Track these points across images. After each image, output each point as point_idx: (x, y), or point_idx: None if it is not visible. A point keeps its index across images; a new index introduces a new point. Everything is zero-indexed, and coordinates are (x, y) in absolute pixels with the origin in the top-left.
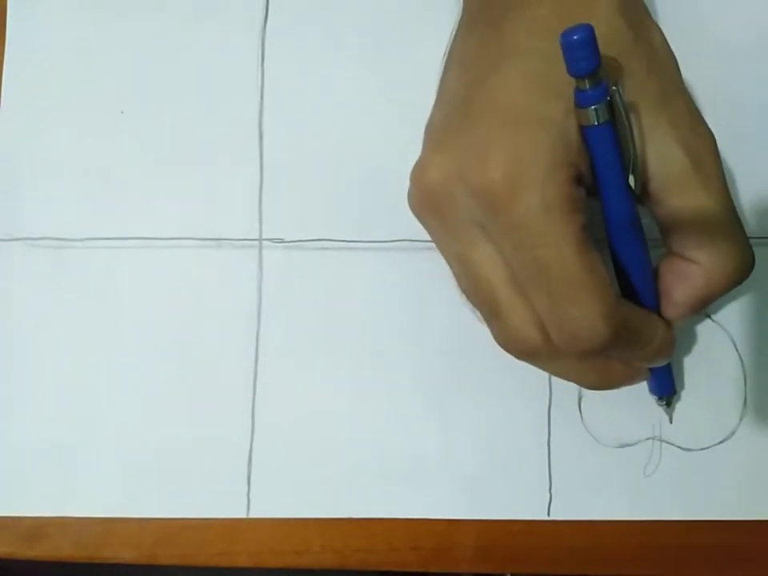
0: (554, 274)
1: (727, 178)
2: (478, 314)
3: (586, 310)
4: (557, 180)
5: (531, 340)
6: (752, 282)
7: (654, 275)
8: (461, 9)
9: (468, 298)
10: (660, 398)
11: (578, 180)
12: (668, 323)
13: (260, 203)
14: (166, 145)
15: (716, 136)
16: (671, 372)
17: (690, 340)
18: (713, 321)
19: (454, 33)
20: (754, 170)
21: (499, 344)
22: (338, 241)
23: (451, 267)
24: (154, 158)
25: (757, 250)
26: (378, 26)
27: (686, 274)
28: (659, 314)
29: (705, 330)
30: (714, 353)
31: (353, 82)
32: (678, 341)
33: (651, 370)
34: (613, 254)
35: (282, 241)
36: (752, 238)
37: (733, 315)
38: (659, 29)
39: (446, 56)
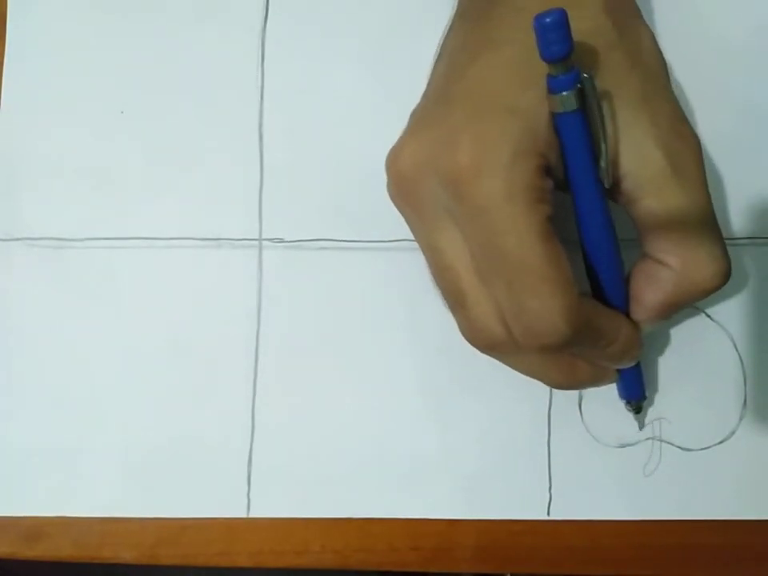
0: (514, 264)
1: (726, 178)
2: (445, 302)
3: (544, 302)
4: (522, 168)
5: (494, 332)
6: (752, 281)
7: (626, 276)
8: (455, 6)
9: (435, 285)
10: (628, 403)
11: (546, 171)
12: (635, 325)
13: (260, 203)
14: (166, 145)
15: (715, 136)
16: (641, 376)
17: (690, 340)
18: (712, 321)
19: (446, 29)
20: (753, 170)
21: (463, 335)
22: (338, 241)
23: (424, 255)
24: (154, 158)
25: (756, 250)
26: (378, 26)
27: (657, 277)
28: (628, 315)
29: (705, 330)
30: (714, 353)
31: (353, 82)
32: (677, 341)
33: (619, 372)
34: (584, 252)
35: (281, 241)
36: (752, 237)
37: (733, 315)
38: (649, 31)
39: (437, 50)
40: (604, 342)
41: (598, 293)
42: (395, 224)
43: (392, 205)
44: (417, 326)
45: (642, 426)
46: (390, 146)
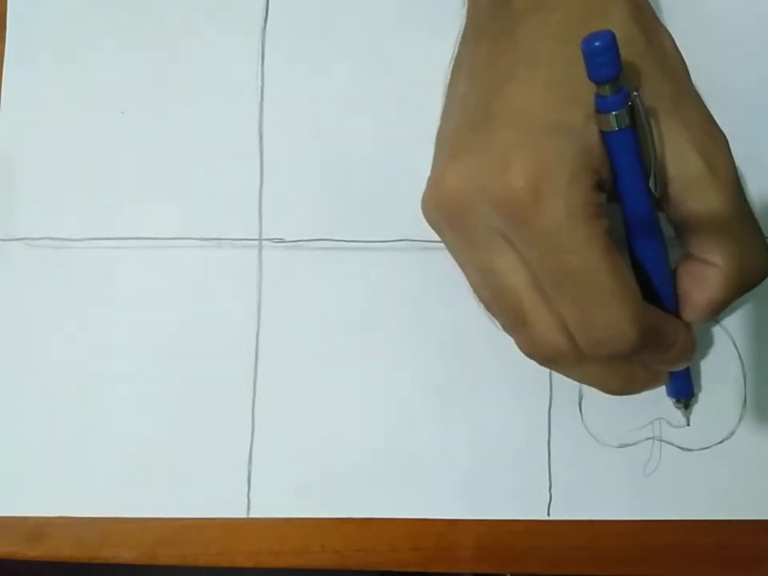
0: (581, 280)
1: None
2: (497, 322)
3: (614, 314)
4: (580, 186)
5: (558, 346)
6: None
7: (673, 278)
8: (465, 15)
9: (488, 306)
10: (678, 401)
11: (600, 185)
12: (688, 326)
13: (260, 203)
14: (166, 145)
15: None
16: (689, 374)
17: None
18: (713, 321)
19: (459, 41)
20: (755, 170)
21: (524, 351)
22: (338, 241)
23: (468, 276)
24: (154, 157)
25: None
26: (378, 27)
27: (704, 276)
28: (678, 317)
29: (705, 329)
30: (714, 353)
31: (353, 82)
32: None
33: (670, 373)
34: (632, 258)
35: (282, 241)
36: None
37: (733, 315)
38: (669, 33)
39: (452, 64)
40: (665, 346)
41: (648, 297)
42: (395, 224)
43: (392, 205)
44: (417, 326)
45: (689, 422)
46: (391, 146)
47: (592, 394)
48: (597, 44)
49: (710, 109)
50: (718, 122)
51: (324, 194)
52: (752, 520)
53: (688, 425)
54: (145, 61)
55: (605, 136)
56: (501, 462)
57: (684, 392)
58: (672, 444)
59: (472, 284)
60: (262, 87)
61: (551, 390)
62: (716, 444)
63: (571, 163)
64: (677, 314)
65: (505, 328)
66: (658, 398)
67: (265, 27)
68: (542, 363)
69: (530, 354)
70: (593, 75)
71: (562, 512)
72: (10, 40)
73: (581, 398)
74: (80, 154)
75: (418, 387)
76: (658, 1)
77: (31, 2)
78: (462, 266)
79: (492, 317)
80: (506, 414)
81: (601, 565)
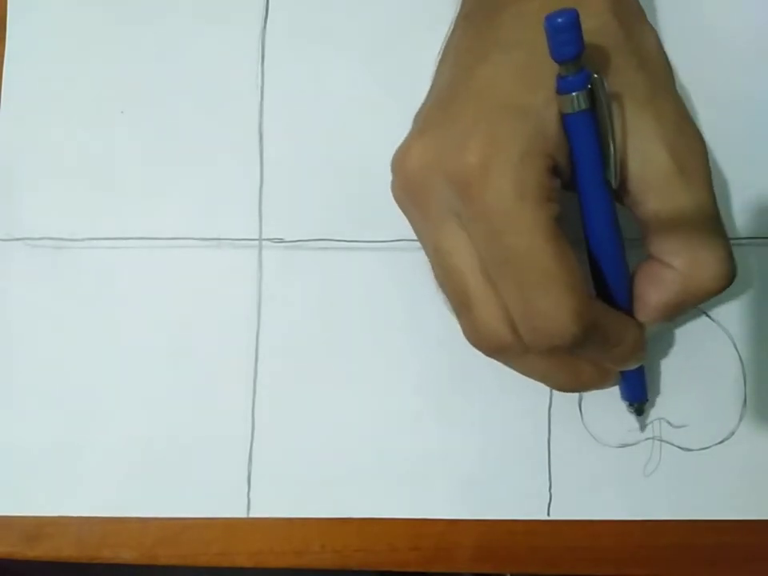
0: (523, 263)
1: (727, 177)
2: (450, 306)
3: (555, 302)
4: (531, 168)
5: (500, 335)
6: (752, 281)
7: (630, 276)
8: (458, 7)
9: (441, 288)
10: (630, 405)
11: (554, 171)
12: (641, 326)
13: (260, 203)
14: (166, 145)
15: (715, 136)
16: (643, 377)
17: (690, 340)
18: (712, 320)
19: (450, 30)
20: (753, 170)
21: (467, 338)
22: (338, 241)
23: (428, 257)
24: (154, 157)
25: (757, 250)
26: (378, 26)
27: (662, 278)
28: (632, 316)
29: (704, 329)
30: (714, 353)
31: (353, 82)
32: (678, 340)
33: (622, 374)
34: (589, 253)
35: (281, 241)
36: (752, 237)
37: (733, 315)
38: (654, 32)
39: (441, 52)
40: (611, 343)
41: (602, 293)
42: (395, 224)
43: (392, 205)
44: (417, 326)
45: (643, 428)
46: (391, 146)
47: (592, 394)
48: (559, 20)
49: (706, 109)
50: (714, 122)
51: (324, 194)
52: (752, 520)
53: (641, 431)
54: (145, 61)
55: (564, 119)
56: (501, 462)
57: (636, 396)
58: (672, 444)
59: (430, 265)
60: (262, 87)
61: (551, 390)
62: (716, 444)
63: (523, 143)
64: (629, 311)
65: (454, 312)
66: (658, 398)
67: (265, 27)
68: (485, 353)
69: (474, 343)
70: (554, 53)
71: (561, 512)
72: (10, 40)
73: (581, 398)
74: (80, 154)
75: (418, 387)
76: (653, 2)
77: (31, 2)
78: (422, 245)
79: (446, 301)
80: (506, 413)
81: (601, 565)
